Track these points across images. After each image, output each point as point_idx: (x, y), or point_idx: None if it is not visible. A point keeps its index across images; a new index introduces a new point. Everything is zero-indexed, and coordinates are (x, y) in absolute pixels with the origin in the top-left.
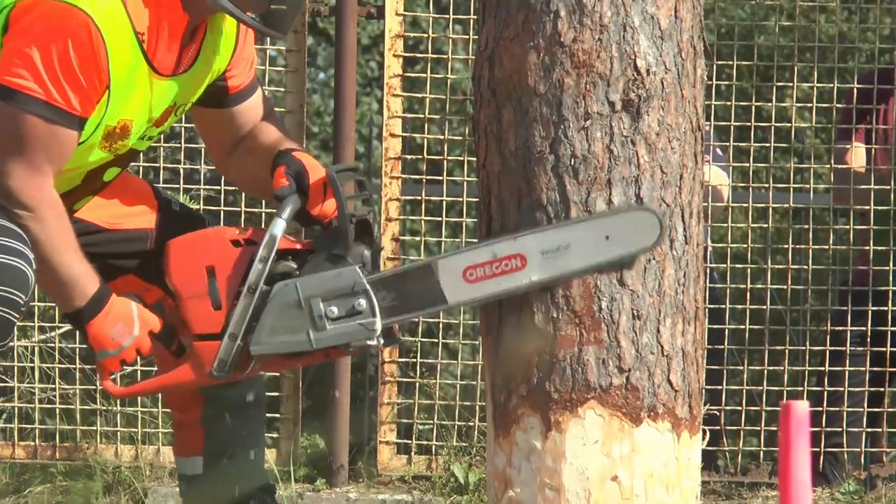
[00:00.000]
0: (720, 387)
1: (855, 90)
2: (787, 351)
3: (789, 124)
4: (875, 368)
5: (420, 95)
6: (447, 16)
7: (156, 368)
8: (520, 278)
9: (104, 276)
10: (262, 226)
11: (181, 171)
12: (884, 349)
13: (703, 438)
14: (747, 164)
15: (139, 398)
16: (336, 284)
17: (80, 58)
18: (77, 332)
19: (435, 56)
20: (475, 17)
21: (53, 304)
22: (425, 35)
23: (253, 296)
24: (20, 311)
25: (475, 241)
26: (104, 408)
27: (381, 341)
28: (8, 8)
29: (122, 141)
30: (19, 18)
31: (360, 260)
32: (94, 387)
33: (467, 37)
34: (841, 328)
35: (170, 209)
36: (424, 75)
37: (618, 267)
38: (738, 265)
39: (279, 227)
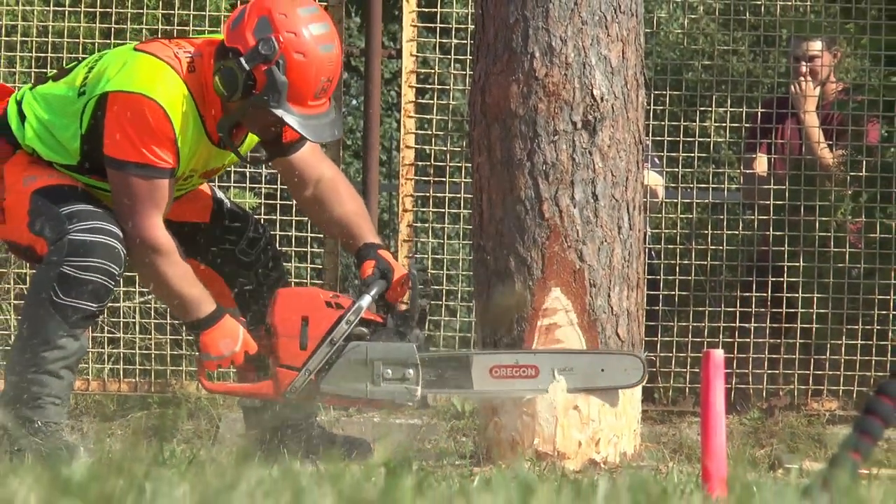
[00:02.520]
0: (656, 338)
1: (759, 113)
2: (706, 311)
3: (709, 139)
4: (773, 325)
5: (429, 117)
6: (450, 56)
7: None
8: (530, 384)
9: None
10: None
11: (247, 173)
12: (780, 310)
13: (643, 377)
14: (677, 169)
15: None
16: (396, 355)
17: (158, 129)
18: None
19: (440, 87)
20: (471, 57)
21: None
22: (433, 71)
23: (333, 347)
24: (116, 280)
25: (471, 234)
26: (188, 353)
27: (417, 405)
28: (101, 91)
29: (186, 182)
30: (113, 104)
31: (417, 340)
32: (180, 337)
33: (465, 72)
34: (748, 294)
35: (222, 207)
36: (432, 101)
37: (605, 391)
38: (669, 246)
39: (366, 301)
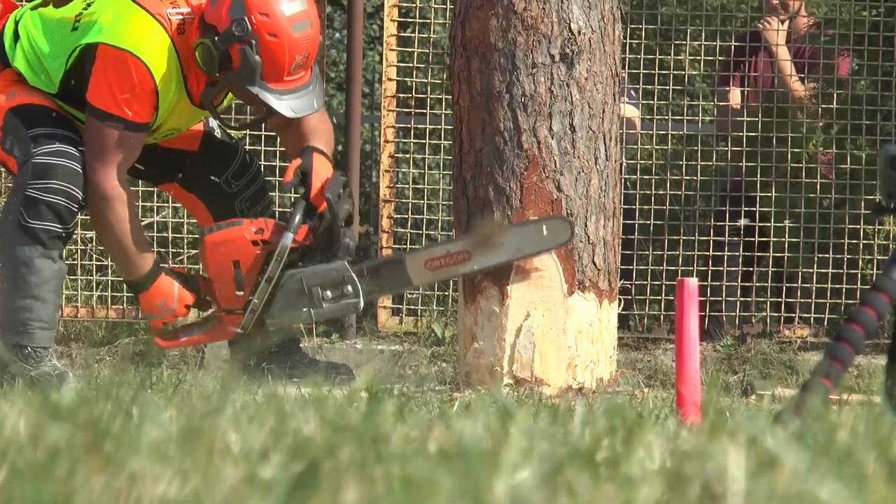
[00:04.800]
0: (631, 266)
1: (733, 47)
2: (681, 240)
3: (683, 72)
4: (746, 254)
5: (410, 50)
6: None
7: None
8: (465, 267)
9: (157, 182)
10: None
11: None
12: (752, 239)
13: (619, 305)
14: (652, 102)
15: (200, 273)
16: (331, 276)
17: (140, 86)
18: (154, 225)
19: (421, 20)
20: None
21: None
22: (414, 5)
23: (270, 284)
24: (78, 201)
25: (451, 172)
26: None
27: (361, 311)
28: (91, 38)
29: (166, 136)
30: (101, 57)
31: (347, 253)
32: (167, 265)
33: (445, 6)
34: (721, 224)
35: (211, 137)
36: (414, 35)
37: (535, 256)
38: (645, 176)
39: (289, 239)
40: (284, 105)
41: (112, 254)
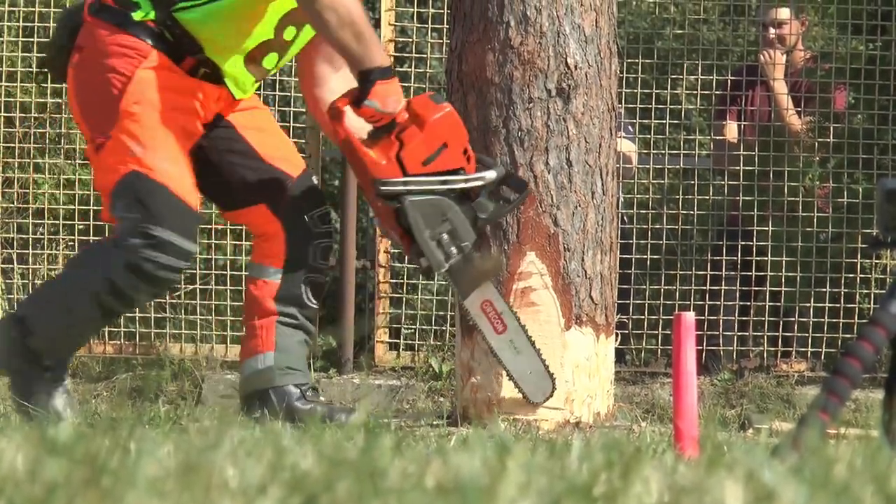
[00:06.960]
0: (628, 301)
1: (729, 81)
2: (678, 274)
3: (680, 106)
4: (743, 288)
5: (406, 85)
6: (427, 26)
7: None
8: (491, 335)
9: (241, 203)
10: None
11: None
12: (749, 273)
13: (616, 339)
14: (649, 136)
15: (198, 310)
16: (463, 231)
17: None
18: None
19: (417, 55)
20: (447, 26)
21: None
22: (410, 40)
23: (440, 185)
24: (188, 260)
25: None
26: (172, 316)
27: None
28: None
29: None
30: None
31: (488, 214)
32: (164, 300)
33: (441, 41)
34: (718, 258)
35: (310, 176)
36: (410, 70)
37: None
38: (641, 211)
39: (491, 176)
40: None
41: (351, 40)
